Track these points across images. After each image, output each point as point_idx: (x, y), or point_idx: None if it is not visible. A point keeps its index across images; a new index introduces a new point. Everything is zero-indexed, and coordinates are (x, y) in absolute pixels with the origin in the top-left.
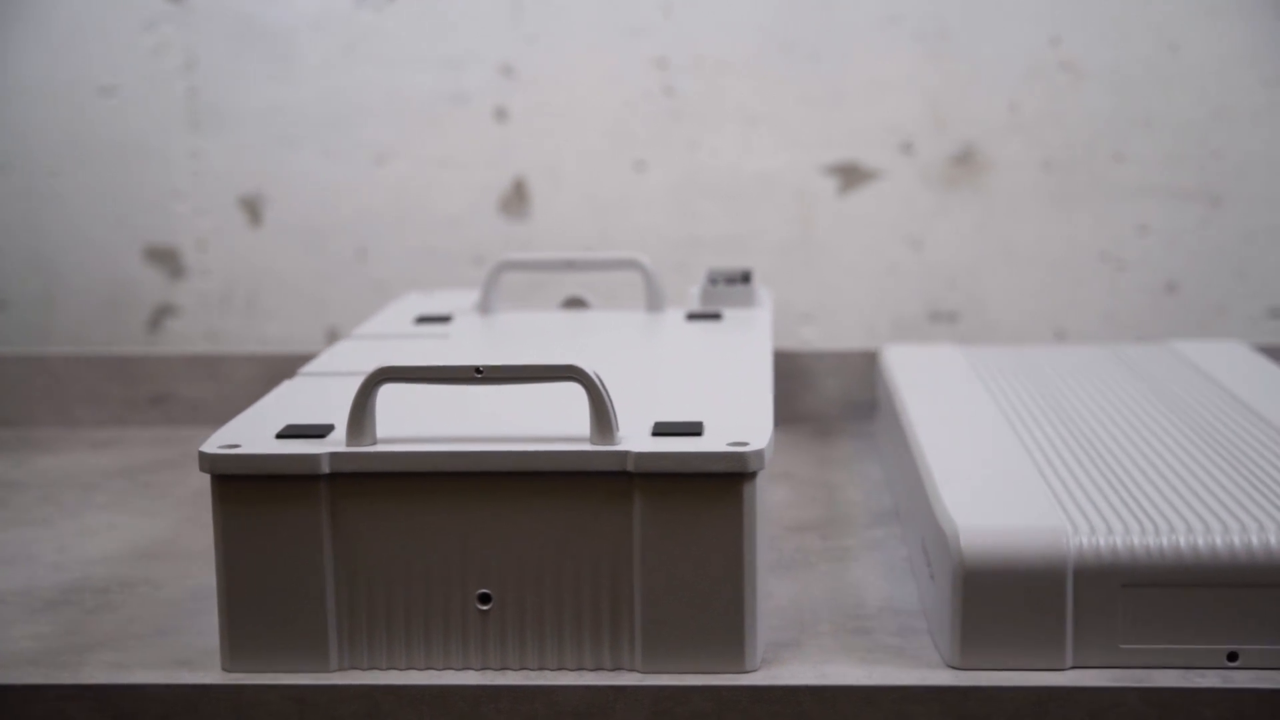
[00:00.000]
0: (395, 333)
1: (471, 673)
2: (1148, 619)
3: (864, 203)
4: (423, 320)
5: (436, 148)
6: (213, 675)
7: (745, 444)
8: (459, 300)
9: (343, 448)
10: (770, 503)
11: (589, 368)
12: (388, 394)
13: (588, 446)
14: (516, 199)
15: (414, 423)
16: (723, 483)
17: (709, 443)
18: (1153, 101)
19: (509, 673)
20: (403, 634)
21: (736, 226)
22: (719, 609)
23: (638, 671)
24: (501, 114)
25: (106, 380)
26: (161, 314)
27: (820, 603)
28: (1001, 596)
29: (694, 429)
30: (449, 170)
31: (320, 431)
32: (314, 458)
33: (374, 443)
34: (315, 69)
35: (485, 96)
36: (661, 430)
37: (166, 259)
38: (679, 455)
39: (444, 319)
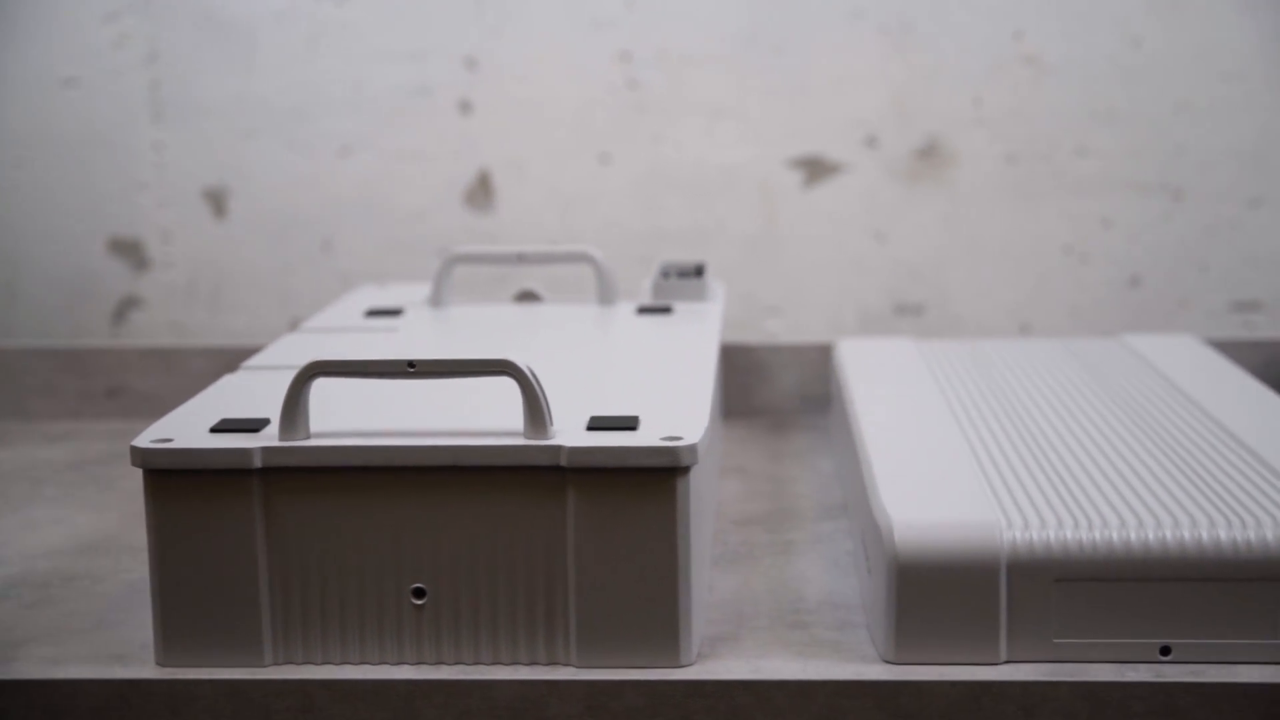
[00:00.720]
0: (344, 326)
1: (407, 667)
2: (1081, 613)
3: (828, 196)
4: (373, 314)
5: (400, 140)
6: (147, 670)
7: (679, 439)
8: (413, 293)
9: (275, 442)
10: (719, 496)
11: (522, 362)
12: (334, 389)
13: (521, 441)
14: (481, 192)
15: (352, 417)
16: (656, 477)
17: (643, 437)
18: (1115, 95)
19: (444, 667)
20: (337, 628)
21: (701, 219)
22: (653, 603)
23: (573, 666)
24: (465, 107)
25: (62, 373)
26: (126, 306)
27: (761, 596)
28: (935, 591)
29: (629, 423)
30: (413, 163)
31: (255, 426)
32: (246, 452)
33: (307, 437)
34: (278, 61)
35: (449, 89)
36: (596, 425)
37: (130, 251)
38: (612, 450)
39: (395, 312)
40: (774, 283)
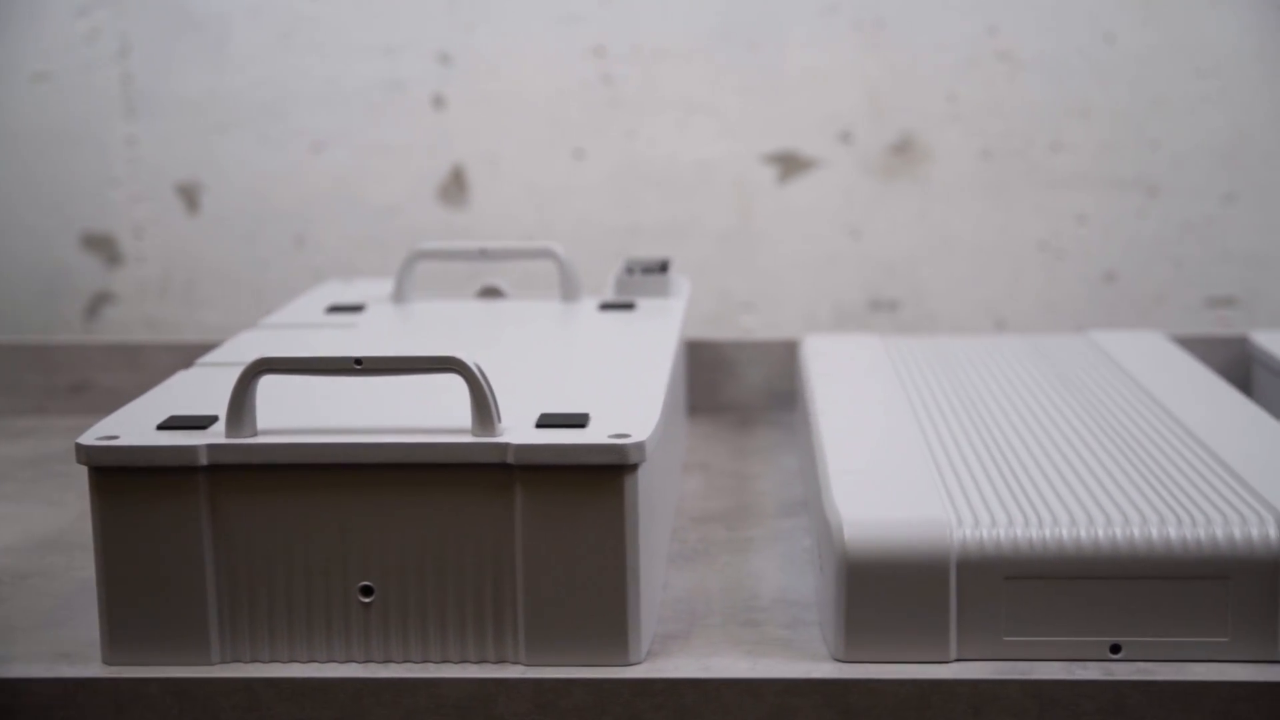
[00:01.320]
0: (304, 322)
1: (354, 665)
2: (1031, 611)
3: (803, 192)
4: (334, 309)
5: (374, 135)
6: (93, 669)
7: (627, 436)
8: (377, 289)
9: (221, 439)
10: (679, 493)
11: (470, 359)
12: (289, 386)
13: (468, 438)
14: (455, 187)
15: (303, 414)
16: (604, 475)
17: (591, 435)
18: (1090, 91)
19: (392, 665)
20: (284, 627)
21: (675, 215)
22: (602, 602)
23: (521, 664)
24: (439, 102)
25: (28, 369)
26: (99, 302)
27: (715, 594)
28: (885, 589)
29: (579, 421)
30: (387, 158)
31: (203, 423)
32: (191, 449)
33: (254, 434)
34: (251, 56)
35: (423, 84)
36: (546, 422)
37: (103, 246)
38: (559, 447)
39: (356, 308)
40: (749, 278)
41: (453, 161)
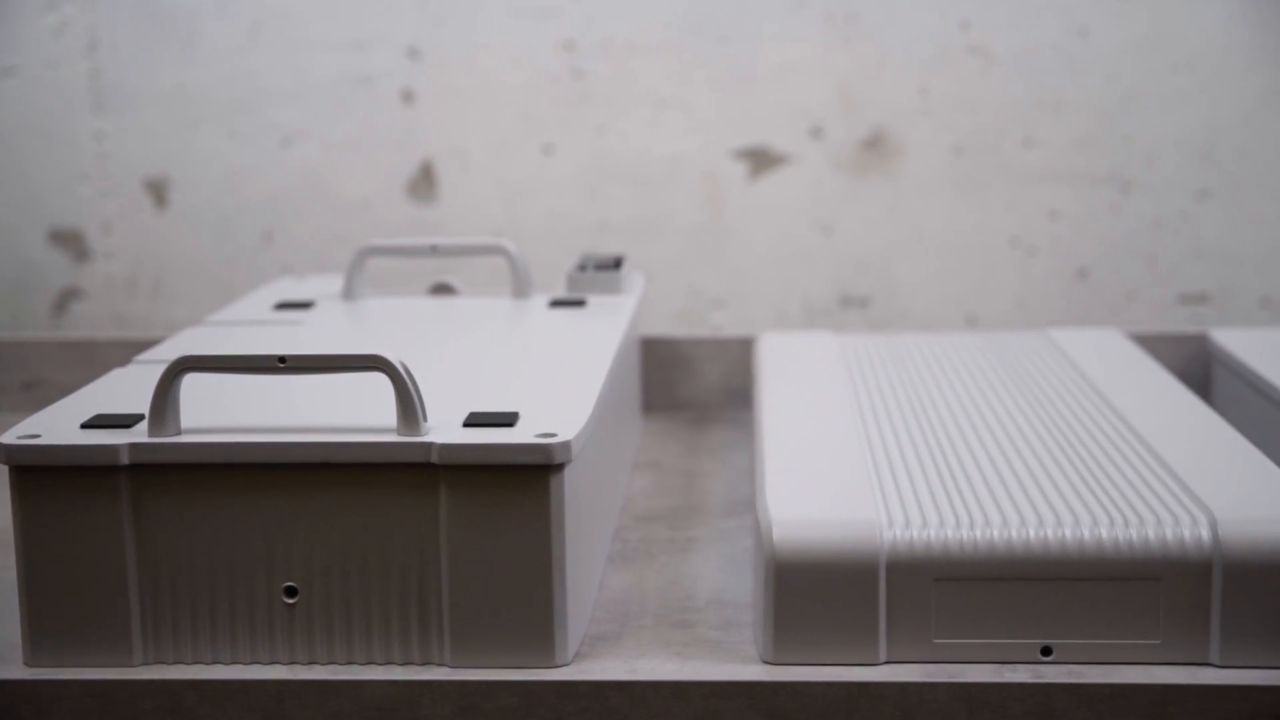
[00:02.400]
0: (250, 319)
1: (278, 667)
2: (961, 613)
3: (774, 187)
4: (282, 306)
5: (343, 130)
6: (13, 670)
7: (553, 436)
8: (329, 286)
9: (144, 438)
10: (625, 491)
11: (395, 357)
12: (223, 385)
13: (392, 438)
14: (424, 182)
15: (231, 413)
16: (529, 475)
17: (516, 434)
18: (1063, 86)
19: (316, 667)
20: (208, 628)
21: (645, 211)
22: (528, 603)
23: (446, 666)
24: (408, 97)
25: None
26: (66, 298)
27: (651, 594)
28: (813, 590)
29: (508, 420)
30: (356, 153)
31: (128, 422)
32: (112, 448)
33: (178, 433)
34: (220, 50)
35: (392, 79)
36: (473, 421)
37: (71, 242)
38: (483, 447)
39: (305, 305)
40: (719, 275)
41: (422, 157)
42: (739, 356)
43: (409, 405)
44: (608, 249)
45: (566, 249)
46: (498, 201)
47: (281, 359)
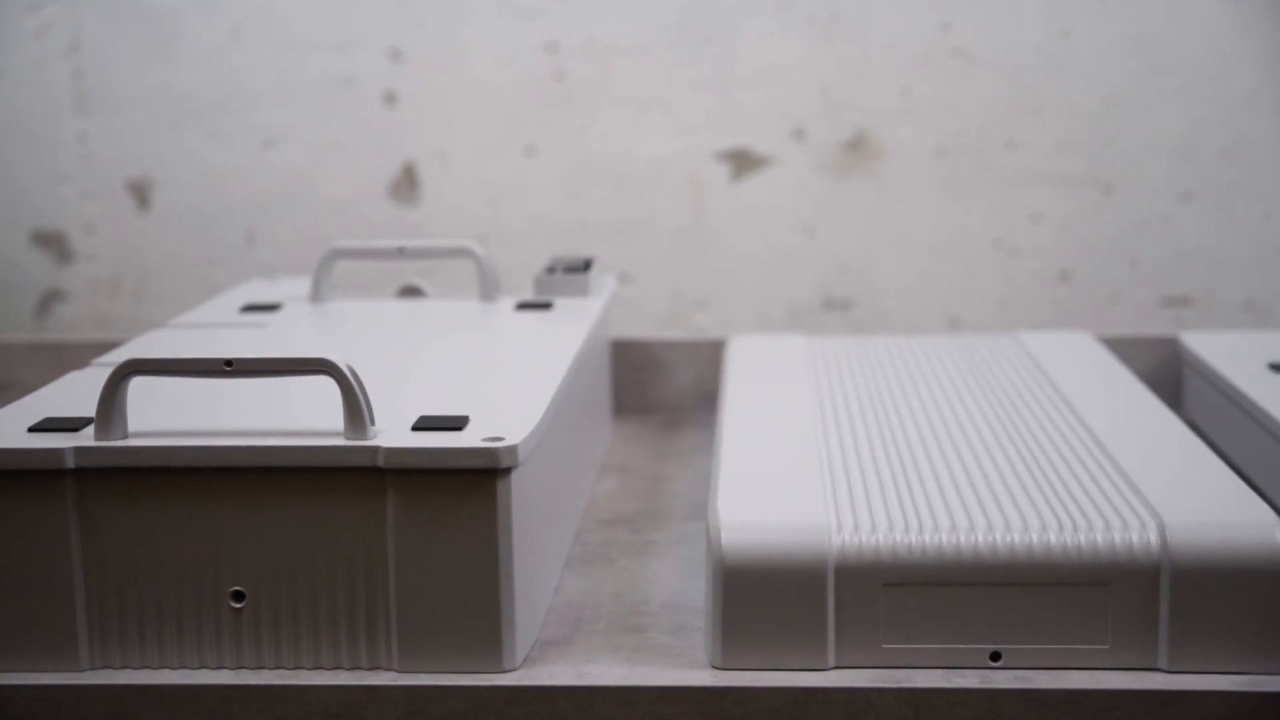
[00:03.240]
0: (216, 322)
1: (225, 672)
2: (910, 618)
3: (756, 189)
4: (249, 309)
5: (325, 132)
6: None
7: (500, 440)
8: (299, 288)
9: (90, 442)
10: (588, 495)
11: (342, 361)
12: (173, 388)
13: (338, 442)
14: (407, 184)
15: (181, 416)
16: (476, 479)
17: (463, 438)
18: (1045, 88)
19: (264, 672)
20: (155, 633)
21: (628, 212)
22: (476, 607)
23: (394, 671)
24: (391, 98)
25: None
26: (50, 299)
27: (606, 599)
28: (762, 595)
29: (457, 423)
30: (338, 154)
31: (76, 425)
32: (58, 452)
33: (124, 437)
34: (202, 52)
35: (374, 80)
36: (423, 425)
37: (54, 243)
38: (428, 451)
39: (272, 308)
40: (702, 276)
41: (404, 158)
42: (711, 359)
43: (355, 409)
44: (590, 251)
45: (548, 251)
46: (480, 203)
47: (228, 363)
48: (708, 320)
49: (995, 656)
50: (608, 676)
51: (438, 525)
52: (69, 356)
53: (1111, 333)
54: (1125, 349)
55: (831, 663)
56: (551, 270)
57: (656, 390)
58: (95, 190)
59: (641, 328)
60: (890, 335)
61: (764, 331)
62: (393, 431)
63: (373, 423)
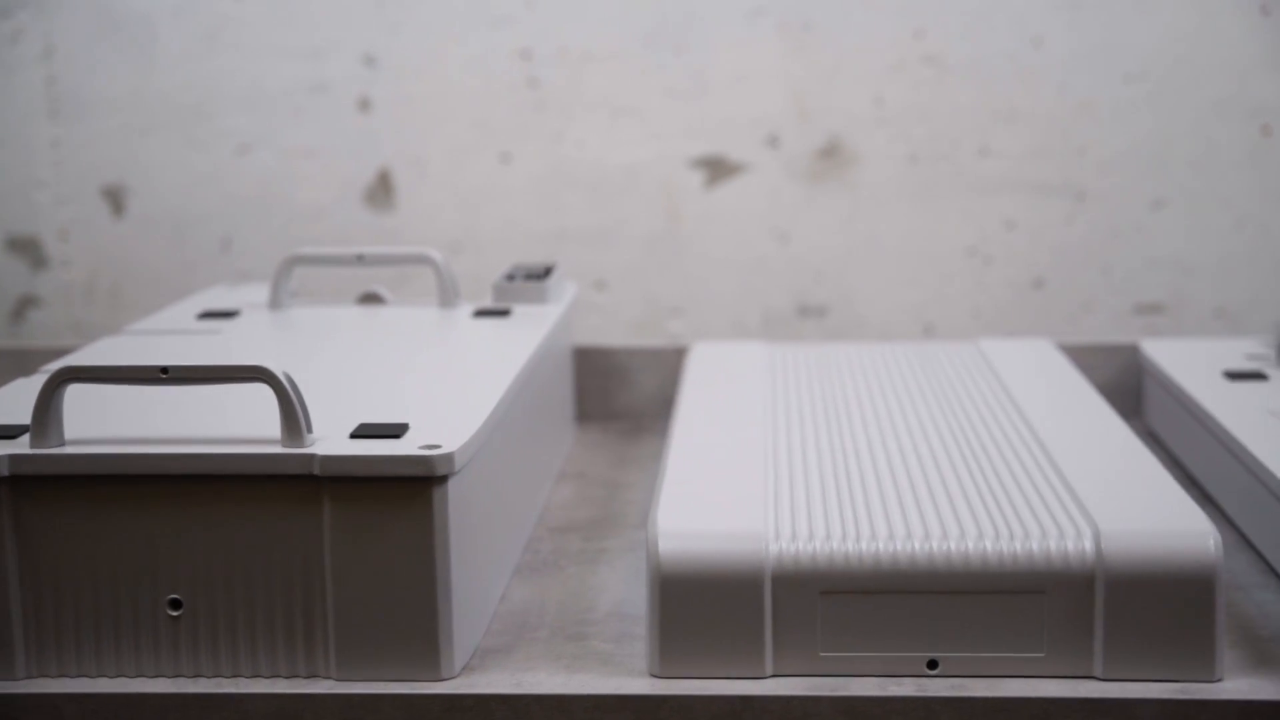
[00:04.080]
0: (172, 328)
1: (163, 680)
2: (847, 626)
3: (730, 196)
4: (206, 315)
5: (299, 138)
6: None
7: (437, 447)
8: (260, 294)
9: (25, 449)
10: (543, 502)
11: (279, 368)
12: (122, 396)
13: (275, 449)
14: (381, 190)
15: (120, 424)
16: (411, 487)
17: (400, 446)
18: (1017, 95)
19: (201, 680)
20: (92, 641)
21: (603, 219)
22: (413, 616)
23: (331, 679)
24: (365, 104)
25: None
26: (24, 305)
27: (551, 606)
28: (699, 604)
29: (396, 431)
30: (312, 161)
31: (13, 433)
32: None
33: (61, 444)
34: (176, 57)
35: (348, 87)
36: (361, 432)
37: (28, 249)
38: (365, 459)
39: (229, 314)
40: (676, 284)
41: (379, 164)
42: (674, 366)
43: (292, 416)
44: (564, 258)
45: (523, 257)
46: (454, 209)
47: (164, 370)
48: (681, 327)
49: (932, 665)
50: (545, 685)
51: (374, 533)
52: (42, 363)
53: (1082, 340)
54: (1090, 357)
55: (769, 671)
56: (511, 277)
57: (621, 398)
58: (70, 196)
59: (615, 335)
60: (852, 343)
61: (738, 339)
62: (331, 439)
63: (310, 430)
